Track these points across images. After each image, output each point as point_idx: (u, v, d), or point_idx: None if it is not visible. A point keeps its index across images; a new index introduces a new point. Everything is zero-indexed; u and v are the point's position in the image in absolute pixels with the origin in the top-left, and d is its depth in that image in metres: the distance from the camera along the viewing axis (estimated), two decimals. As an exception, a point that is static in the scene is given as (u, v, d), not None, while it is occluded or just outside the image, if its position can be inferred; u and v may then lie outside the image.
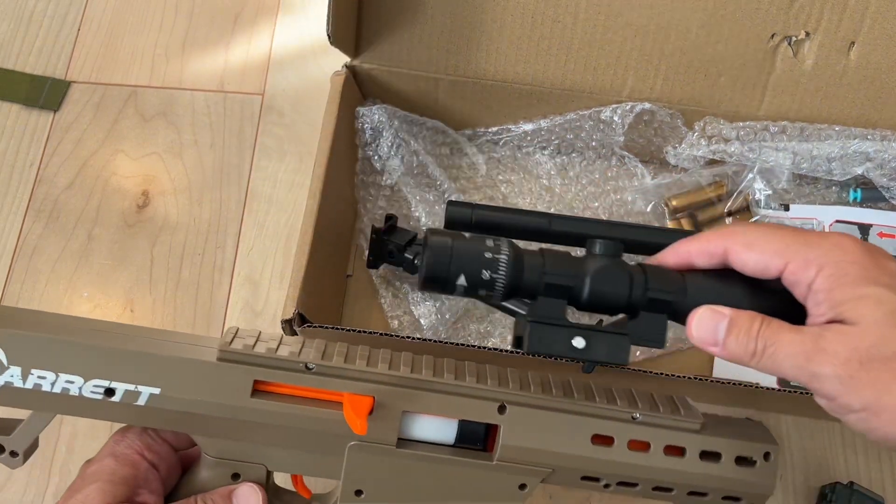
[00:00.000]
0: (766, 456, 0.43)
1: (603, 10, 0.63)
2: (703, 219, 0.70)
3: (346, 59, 0.66)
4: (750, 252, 0.36)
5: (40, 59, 0.82)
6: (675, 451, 0.43)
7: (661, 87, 0.66)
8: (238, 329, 0.42)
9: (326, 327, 0.53)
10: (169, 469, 0.43)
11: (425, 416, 0.42)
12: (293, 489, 0.46)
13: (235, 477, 0.42)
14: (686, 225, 0.70)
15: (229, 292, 0.71)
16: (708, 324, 0.36)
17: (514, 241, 0.39)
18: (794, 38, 0.63)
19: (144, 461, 0.42)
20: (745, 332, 0.35)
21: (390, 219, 0.66)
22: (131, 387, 0.39)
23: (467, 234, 0.39)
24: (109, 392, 0.39)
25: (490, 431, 0.43)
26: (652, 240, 0.63)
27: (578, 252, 0.42)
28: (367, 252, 0.67)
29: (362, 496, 0.42)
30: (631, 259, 0.41)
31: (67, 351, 0.39)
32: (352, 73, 0.67)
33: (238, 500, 0.42)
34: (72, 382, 0.38)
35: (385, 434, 0.41)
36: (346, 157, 0.68)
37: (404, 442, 0.42)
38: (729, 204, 0.69)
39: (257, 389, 0.40)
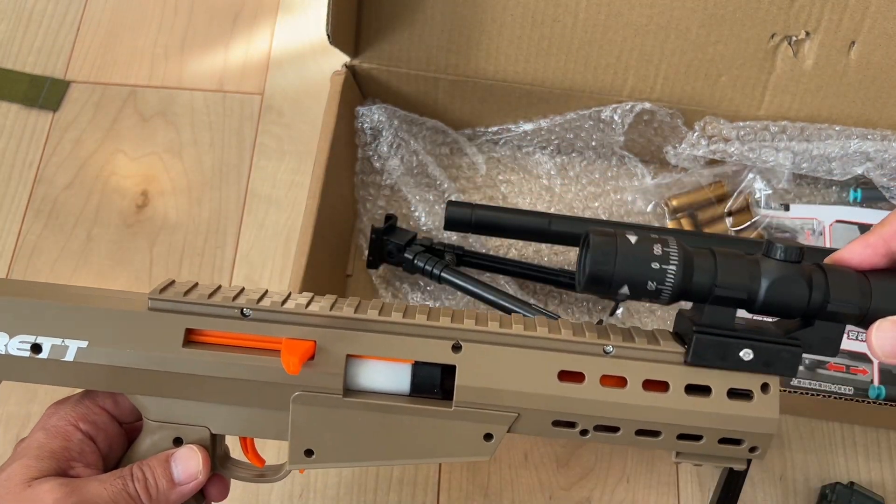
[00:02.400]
0: (764, 388, 0.38)
1: (603, 10, 0.63)
2: (703, 219, 0.70)
3: (345, 58, 0.66)
4: None
5: (40, 59, 0.81)
6: (657, 386, 0.38)
7: (661, 86, 0.66)
8: (174, 280, 0.40)
9: (326, 327, 0.53)
10: (109, 440, 0.41)
11: (374, 361, 0.38)
12: (246, 460, 0.44)
13: (178, 442, 0.40)
14: (686, 225, 0.70)
15: (229, 292, 0.71)
16: (890, 336, 0.34)
17: (682, 242, 0.36)
18: (794, 38, 0.63)
19: (78, 432, 0.40)
20: None
21: (390, 219, 0.66)
22: (58, 341, 0.37)
23: (633, 238, 0.36)
24: (36, 348, 0.37)
25: (447, 378, 0.39)
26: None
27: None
28: (366, 252, 0.67)
29: (313, 456, 0.39)
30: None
31: None
32: (351, 72, 0.67)
33: (176, 463, 0.40)
34: None
35: (329, 381, 0.38)
36: (346, 156, 0.68)
37: (354, 392, 0.39)
38: (729, 204, 0.69)
39: (190, 340, 0.38)
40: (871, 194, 0.69)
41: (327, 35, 0.60)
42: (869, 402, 0.58)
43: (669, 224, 0.70)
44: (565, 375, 0.38)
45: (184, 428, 0.40)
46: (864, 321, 0.36)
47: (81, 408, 0.41)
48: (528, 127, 0.71)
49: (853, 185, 0.70)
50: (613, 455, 0.64)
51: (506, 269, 0.67)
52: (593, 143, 0.72)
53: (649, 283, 0.35)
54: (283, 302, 0.38)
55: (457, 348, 0.38)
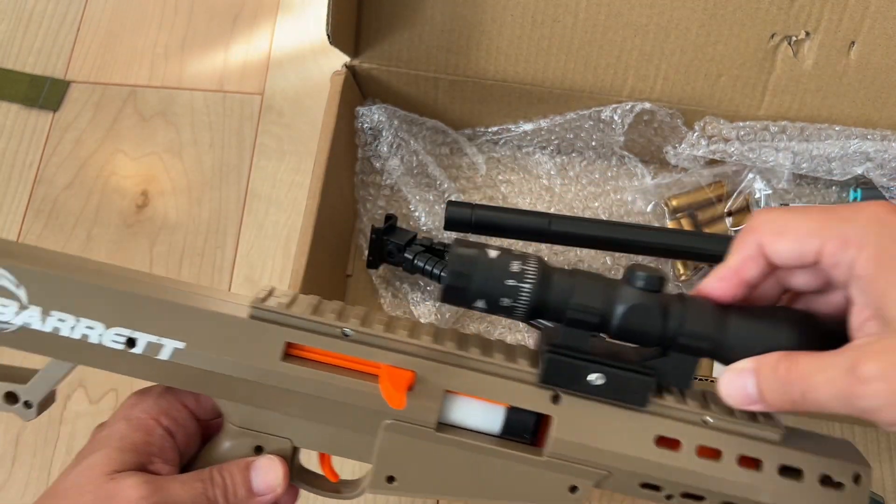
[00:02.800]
0: (856, 479, 0.37)
1: (603, 10, 0.63)
2: (703, 219, 0.70)
3: (345, 58, 0.66)
4: (781, 239, 0.32)
5: (40, 59, 0.81)
6: (751, 462, 0.38)
7: (661, 86, 0.66)
8: (273, 288, 0.39)
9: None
10: (187, 438, 0.40)
11: (470, 398, 0.38)
12: (320, 472, 0.43)
13: (258, 450, 0.39)
14: (686, 225, 0.70)
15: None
16: (736, 387, 0.33)
17: (543, 261, 0.36)
18: (794, 38, 0.63)
19: (159, 427, 0.39)
20: (775, 383, 0.31)
21: (390, 219, 0.66)
22: (154, 338, 0.36)
23: (493, 253, 0.35)
24: (131, 342, 0.36)
25: (541, 424, 0.39)
26: (652, 241, 0.63)
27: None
28: (366, 252, 0.67)
29: (394, 483, 0.39)
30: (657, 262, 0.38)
31: (90, 294, 0.36)
32: (351, 72, 0.67)
33: (256, 473, 0.39)
34: (92, 329, 0.36)
35: (424, 414, 0.37)
36: (346, 156, 0.68)
37: (445, 427, 0.38)
38: (729, 204, 0.69)
39: (289, 353, 0.37)
40: (871, 194, 0.69)
41: (327, 35, 0.60)
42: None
43: (669, 224, 0.70)
44: (663, 441, 0.38)
45: (266, 437, 0.39)
46: (719, 357, 0.35)
47: (164, 402, 0.40)
48: (528, 127, 0.71)
49: (853, 185, 0.70)
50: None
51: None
52: (593, 143, 0.72)
53: (503, 299, 0.35)
54: (387, 328, 0.38)
55: (556, 399, 0.37)
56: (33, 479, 0.64)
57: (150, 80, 0.81)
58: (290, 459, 0.40)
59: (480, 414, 0.38)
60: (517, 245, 0.71)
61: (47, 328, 0.36)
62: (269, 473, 0.39)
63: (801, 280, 0.35)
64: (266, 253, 0.73)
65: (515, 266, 0.35)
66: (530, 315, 0.35)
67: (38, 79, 0.80)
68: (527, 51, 0.65)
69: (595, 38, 0.64)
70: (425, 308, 0.67)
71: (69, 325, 0.36)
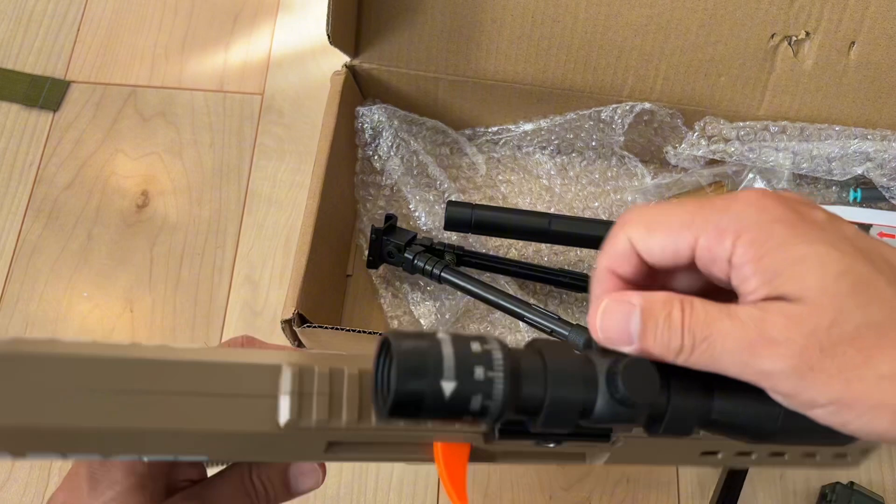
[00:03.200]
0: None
1: (603, 10, 0.63)
2: (703, 219, 0.70)
3: (345, 58, 0.66)
4: (653, 235, 0.28)
5: (40, 59, 0.81)
6: None
7: (660, 86, 0.66)
8: (299, 366, 0.29)
9: (326, 327, 0.53)
10: None
11: None
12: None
13: None
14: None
15: (229, 292, 0.71)
16: (616, 319, 0.28)
17: (508, 356, 0.26)
18: (794, 38, 0.63)
19: None
20: (664, 324, 0.27)
21: (390, 219, 0.66)
22: (170, 457, 0.30)
23: (451, 381, 0.26)
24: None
25: None
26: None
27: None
28: (366, 252, 0.67)
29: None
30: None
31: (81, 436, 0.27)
32: (351, 72, 0.67)
33: (294, 480, 0.35)
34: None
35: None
36: (346, 156, 0.68)
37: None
38: (729, 204, 0.69)
39: (333, 443, 0.31)
40: (871, 194, 0.69)
41: (327, 35, 0.60)
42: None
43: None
44: (705, 454, 0.35)
45: None
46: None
47: None
48: (528, 127, 0.71)
49: (853, 185, 0.70)
50: (613, 455, 0.64)
51: (506, 269, 0.67)
52: (593, 144, 0.72)
53: (467, 417, 0.26)
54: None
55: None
56: (33, 479, 0.64)
57: (150, 80, 0.81)
58: None
59: None
60: (516, 247, 0.71)
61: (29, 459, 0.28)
62: (307, 479, 0.36)
63: (683, 283, 0.31)
64: (266, 253, 0.73)
65: (479, 372, 0.26)
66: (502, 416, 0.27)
67: (39, 79, 0.80)
68: (527, 51, 0.65)
69: (595, 38, 0.64)
70: (425, 308, 0.67)
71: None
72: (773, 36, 0.63)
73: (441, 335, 0.26)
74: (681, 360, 0.27)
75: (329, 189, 0.59)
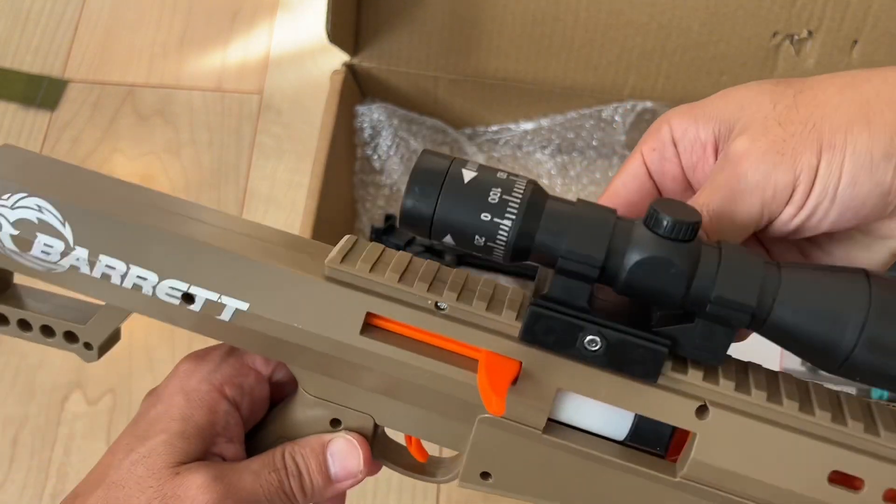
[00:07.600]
0: None
1: (604, 9, 0.63)
2: (704, 218, 0.70)
3: (345, 57, 0.66)
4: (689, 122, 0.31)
5: (37, 58, 0.81)
6: None
7: (662, 85, 0.66)
8: (357, 239, 0.33)
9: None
10: (253, 404, 0.35)
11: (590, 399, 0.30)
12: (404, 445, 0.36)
13: (335, 423, 0.34)
14: (687, 225, 0.70)
15: (227, 292, 0.71)
16: (352, 458, 0.33)
17: (535, 188, 0.28)
18: (796, 37, 0.63)
19: (224, 401, 0.33)
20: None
21: (390, 219, 0.66)
22: (214, 296, 0.31)
23: (469, 174, 0.28)
24: (188, 298, 0.31)
25: (677, 435, 0.31)
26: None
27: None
28: (366, 252, 0.67)
29: (489, 480, 0.33)
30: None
31: (143, 239, 0.32)
32: (351, 71, 0.66)
33: (334, 457, 0.34)
34: (144, 279, 0.31)
35: (530, 415, 0.30)
36: (345, 156, 0.68)
37: (555, 426, 0.31)
38: (730, 203, 0.69)
39: (370, 324, 0.31)
40: (873, 194, 0.69)
41: (326, 32, 0.59)
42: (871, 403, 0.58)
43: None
44: (838, 477, 0.30)
45: (345, 410, 0.34)
46: (764, 331, 0.27)
47: (227, 369, 0.34)
48: (529, 126, 0.71)
49: (855, 184, 0.70)
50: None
51: (506, 269, 0.67)
52: (594, 143, 0.71)
53: (476, 237, 0.27)
54: (489, 304, 0.31)
55: (702, 411, 0.29)
56: (31, 480, 0.64)
57: (148, 79, 0.80)
58: (372, 438, 0.34)
59: (602, 417, 0.31)
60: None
61: (96, 275, 0.32)
62: (348, 458, 0.34)
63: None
64: (265, 253, 0.73)
65: (494, 195, 0.27)
66: (515, 258, 0.28)
67: (36, 78, 0.80)
68: (527, 49, 0.65)
69: (596, 36, 0.64)
70: (425, 308, 0.67)
71: (119, 273, 0.32)
72: (775, 34, 0.63)
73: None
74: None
75: (328, 189, 0.59)
